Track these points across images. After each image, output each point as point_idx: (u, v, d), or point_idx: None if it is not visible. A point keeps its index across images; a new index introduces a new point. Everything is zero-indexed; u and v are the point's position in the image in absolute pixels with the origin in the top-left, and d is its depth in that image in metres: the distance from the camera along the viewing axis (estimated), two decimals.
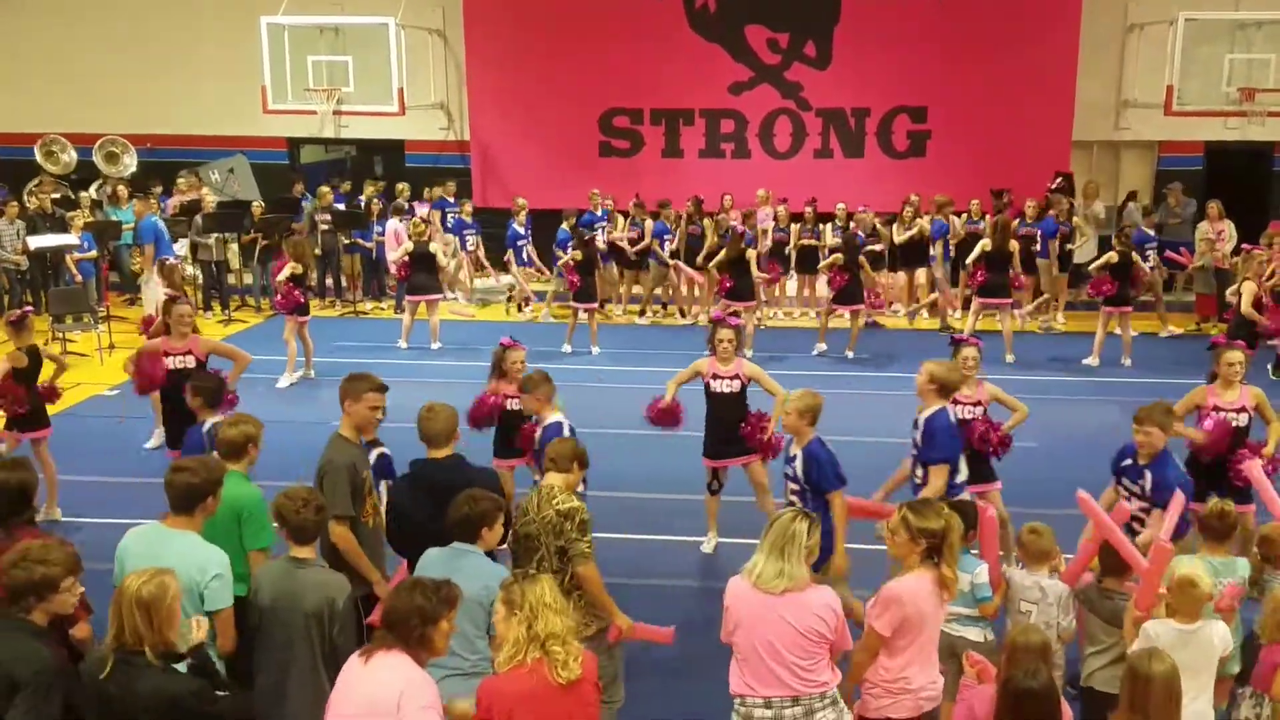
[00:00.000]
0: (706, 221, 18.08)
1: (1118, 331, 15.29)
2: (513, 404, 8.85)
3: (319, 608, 5.25)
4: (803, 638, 5.10)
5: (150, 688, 4.48)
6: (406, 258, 16.24)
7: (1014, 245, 15.65)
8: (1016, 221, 17.15)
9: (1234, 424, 8.18)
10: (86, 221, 18.14)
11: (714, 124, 20.79)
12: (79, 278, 17.42)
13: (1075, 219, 18.08)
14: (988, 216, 17.20)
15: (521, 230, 18.11)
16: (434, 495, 5.82)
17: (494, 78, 20.73)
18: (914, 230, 17.75)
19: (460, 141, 21.59)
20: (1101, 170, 20.63)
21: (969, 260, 16.02)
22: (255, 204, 19.61)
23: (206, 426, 7.55)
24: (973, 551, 6.30)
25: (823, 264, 16.65)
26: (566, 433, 7.27)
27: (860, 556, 7.35)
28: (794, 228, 18.13)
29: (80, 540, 6.24)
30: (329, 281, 19.64)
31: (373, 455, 6.99)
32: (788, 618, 5.10)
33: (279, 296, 14.60)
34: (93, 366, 15.11)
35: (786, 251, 18.14)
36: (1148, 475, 7.03)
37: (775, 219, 18.09)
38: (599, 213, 18.35)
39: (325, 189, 19.52)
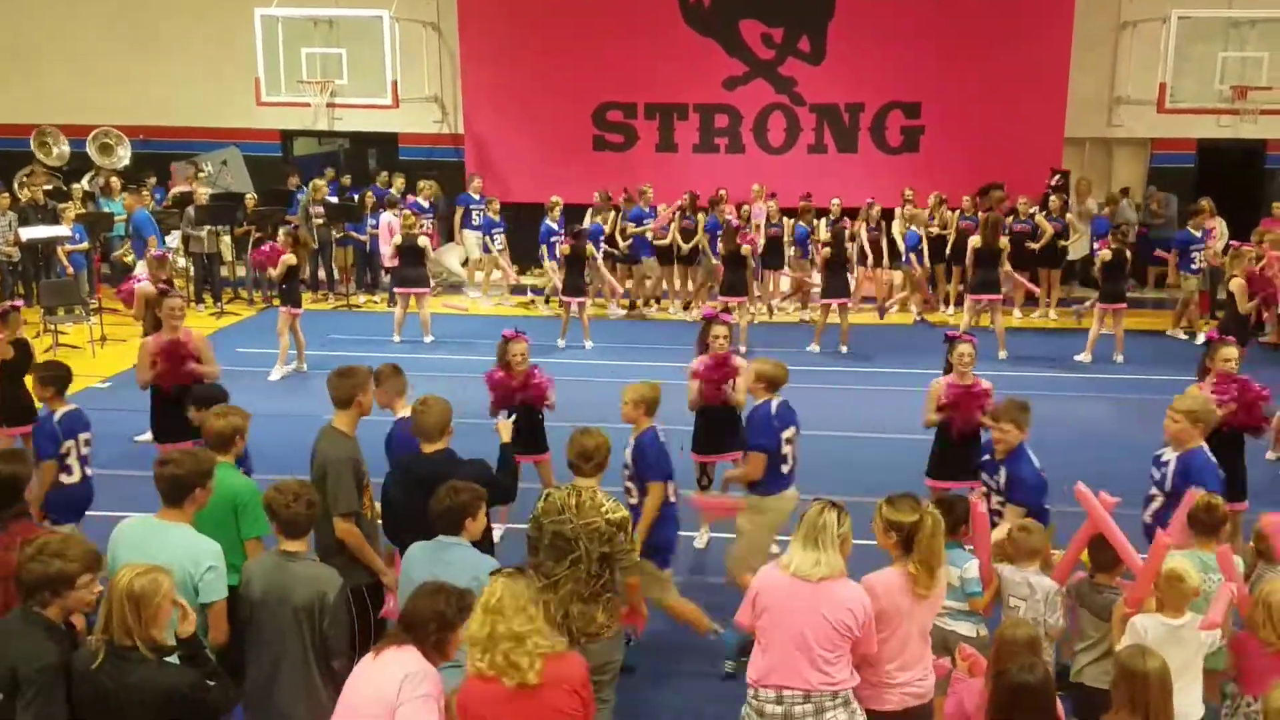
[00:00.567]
0: (700, 216, 18.07)
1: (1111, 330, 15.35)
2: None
3: (310, 601, 5.25)
4: (832, 630, 5.11)
5: (143, 680, 4.47)
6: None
7: (1004, 242, 15.68)
8: (1010, 218, 17.20)
9: None
10: (78, 213, 18.11)
11: (708, 119, 20.79)
12: (70, 270, 17.38)
13: (1068, 216, 18.12)
14: (980, 213, 17.23)
15: (555, 226, 18.10)
16: (425, 488, 5.82)
17: (488, 71, 20.71)
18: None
19: (454, 134, 21.57)
20: (1094, 167, 20.69)
21: (966, 261, 16.12)
22: (248, 196, 19.60)
23: (57, 416, 7.82)
24: (966, 547, 6.31)
25: (813, 257, 16.67)
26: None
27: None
28: (787, 222, 18.17)
29: (77, 533, 6.25)
30: (321, 274, 19.63)
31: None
32: (821, 607, 5.12)
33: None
34: (84, 358, 15.07)
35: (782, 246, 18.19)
36: (1003, 471, 7.13)
37: (767, 214, 18.11)
38: (646, 209, 18.25)
39: (320, 181, 19.49)
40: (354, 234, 19.12)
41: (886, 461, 9.47)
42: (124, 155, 21.32)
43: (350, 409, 6.52)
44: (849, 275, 16.26)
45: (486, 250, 18.99)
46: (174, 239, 18.35)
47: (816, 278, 17.32)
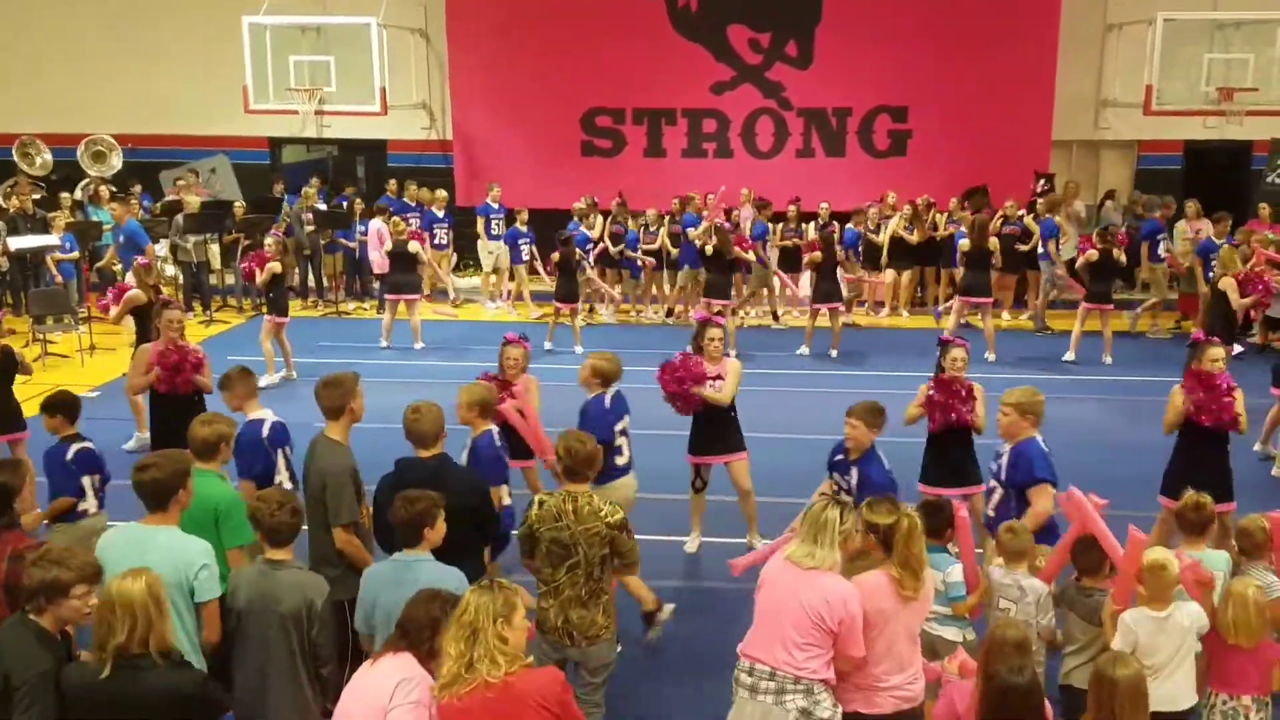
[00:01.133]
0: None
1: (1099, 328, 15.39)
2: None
3: (296, 609, 5.26)
4: (804, 615, 5.19)
5: (155, 685, 4.52)
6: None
7: (993, 244, 15.72)
8: (999, 221, 17.25)
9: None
10: (68, 222, 18.07)
11: (696, 124, 20.82)
12: (59, 278, 17.36)
13: (1057, 218, 18.16)
14: (968, 215, 17.28)
15: (524, 230, 18.21)
16: None
17: (476, 77, 20.72)
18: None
19: (443, 141, 21.57)
20: (1081, 169, 20.75)
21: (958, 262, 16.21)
22: (237, 204, 19.59)
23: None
24: (951, 550, 6.33)
25: (806, 260, 16.67)
26: (267, 431, 7.30)
27: None
28: (776, 227, 18.21)
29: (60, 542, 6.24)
30: (310, 281, 19.62)
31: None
32: (800, 592, 5.23)
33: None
34: (73, 367, 15.05)
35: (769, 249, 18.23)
36: (854, 471, 7.22)
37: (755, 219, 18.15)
38: (696, 215, 18.11)
39: (310, 189, 19.48)
40: (343, 241, 19.11)
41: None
42: (116, 164, 21.35)
43: (342, 417, 6.51)
44: (839, 279, 16.28)
45: (518, 261, 18.64)
46: (163, 247, 18.33)
47: (805, 283, 17.39)
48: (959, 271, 16.61)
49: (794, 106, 20.57)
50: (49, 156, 21.41)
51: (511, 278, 19.06)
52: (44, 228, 17.89)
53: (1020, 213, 17.69)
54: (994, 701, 4.61)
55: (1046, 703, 4.79)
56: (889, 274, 18.47)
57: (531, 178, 20.06)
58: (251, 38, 19.88)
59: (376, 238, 17.65)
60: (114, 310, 12.31)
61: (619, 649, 6.40)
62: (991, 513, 7.27)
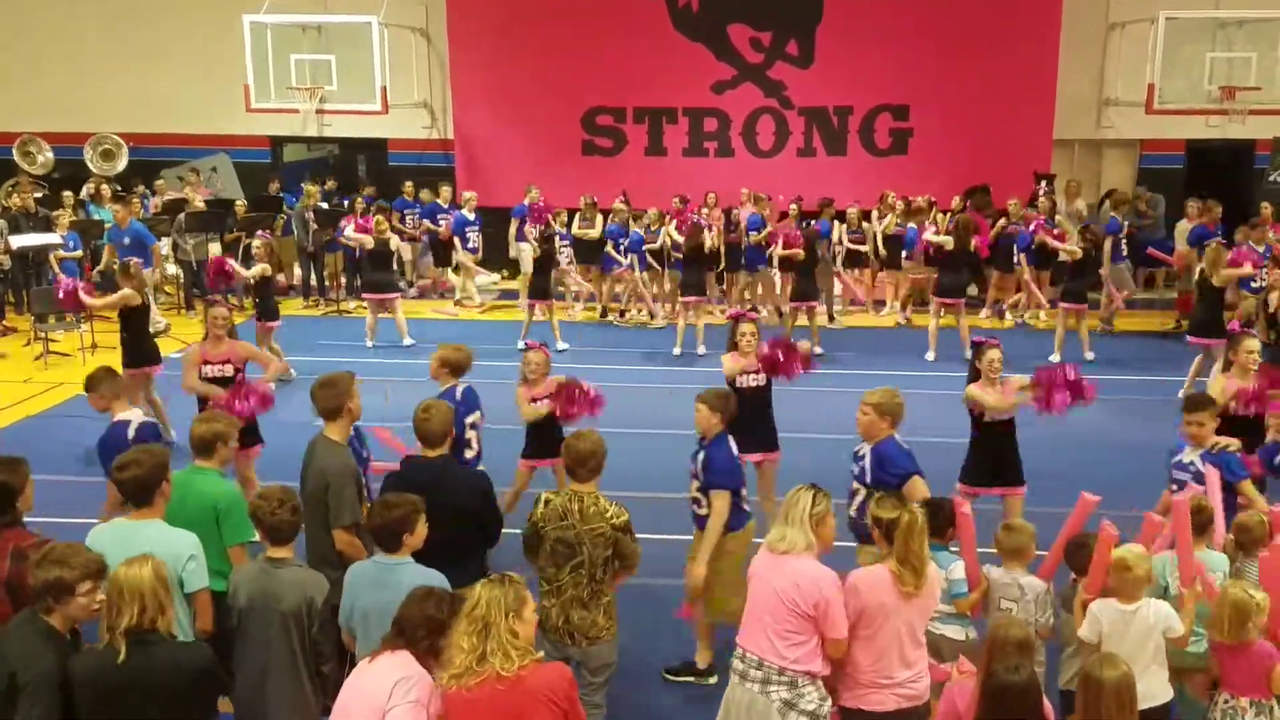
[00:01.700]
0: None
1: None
2: (540, 405, 8.99)
3: (297, 607, 5.28)
4: (780, 602, 5.24)
5: (171, 660, 4.61)
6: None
7: (975, 244, 15.76)
8: (1004, 222, 17.24)
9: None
10: (71, 220, 18.08)
11: (697, 123, 20.83)
12: (61, 277, 17.33)
13: (1058, 217, 18.14)
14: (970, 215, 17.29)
15: (470, 218, 18.28)
16: (424, 494, 5.78)
17: (477, 76, 20.74)
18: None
19: (444, 140, 21.58)
20: (1084, 168, 20.74)
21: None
22: (238, 203, 19.60)
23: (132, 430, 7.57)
24: (952, 549, 6.33)
25: (777, 254, 16.61)
26: (133, 433, 7.35)
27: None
28: (839, 227, 18.21)
29: (61, 539, 6.23)
30: (312, 280, 19.63)
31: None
32: (773, 579, 5.29)
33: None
34: (75, 366, 15.05)
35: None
36: (700, 455, 7.22)
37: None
38: (764, 214, 17.95)
39: (312, 187, 19.49)
40: (343, 239, 19.06)
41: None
42: (123, 162, 21.37)
43: (340, 418, 6.51)
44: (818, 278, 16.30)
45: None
46: (164, 246, 18.34)
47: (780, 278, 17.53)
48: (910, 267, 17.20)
49: (795, 105, 20.58)
50: (50, 155, 21.44)
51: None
52: (46, 226, 17.90)
53: (1023, 212, 17.67)
54: (992, 700, 4.62)
55: (1046, 702, 4.78)
56: (882, 274, 18.49)
57: (532, 177, 20.00)
58: (253, 36, 19.91)
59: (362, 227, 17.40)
60: (98, 299, 12.31)
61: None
62: (854, 514, 7.24)
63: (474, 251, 18.90)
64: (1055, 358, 15.26)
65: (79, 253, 17.66)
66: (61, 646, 4.70)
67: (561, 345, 15.71)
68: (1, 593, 5.34)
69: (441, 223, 18.84)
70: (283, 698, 5.32)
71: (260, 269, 14.20)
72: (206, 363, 9.67)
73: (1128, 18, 19.80)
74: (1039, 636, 5.93)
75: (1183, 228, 17.73)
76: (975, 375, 8.59)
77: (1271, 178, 19.18)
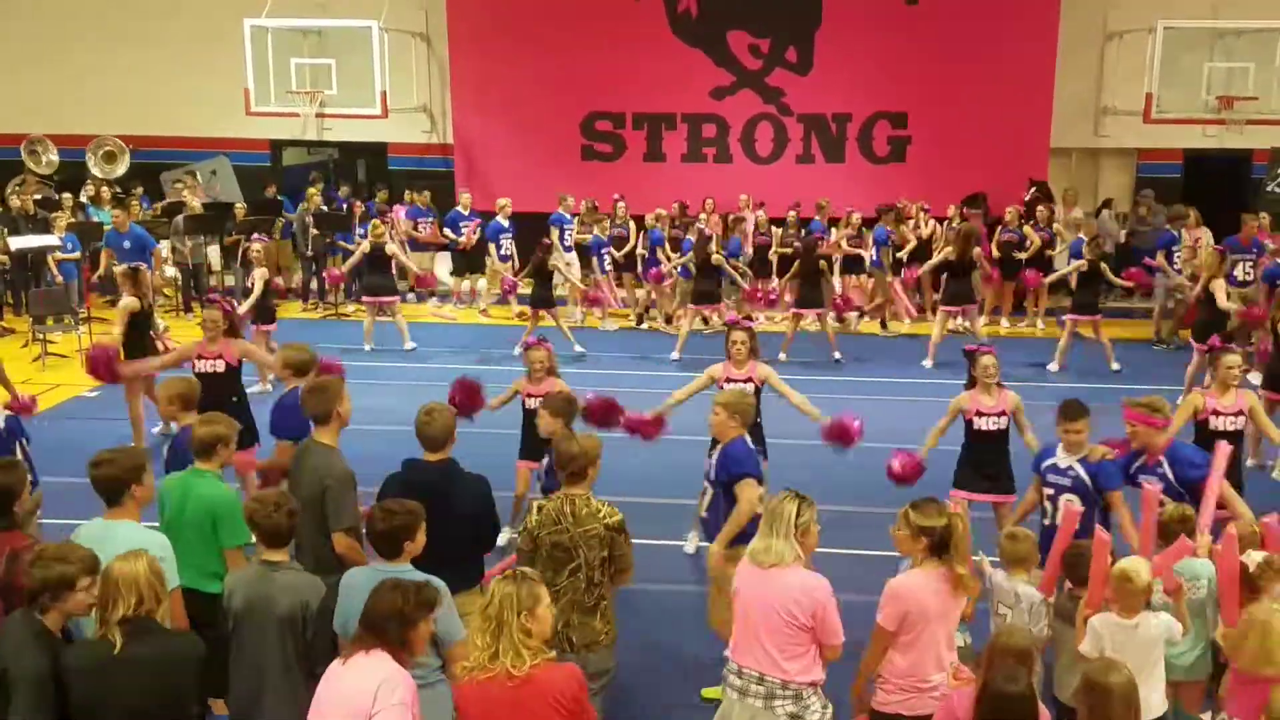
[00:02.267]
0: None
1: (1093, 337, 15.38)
2: (531, 403, 8.98)
3: (293, 610, 5.27)
4: (778, 617, 5.23)
5: (163, 648, 4.67)
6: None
7: (977, 252, 15.77)
8: (999, 228, 17.24)
9: (1233, 428, 8.35)
10: (69, 222, 18.09)
11: (696, 129, 20.84)
12: (60, 279, 17.37)
13: (1055, 225, 18.19)
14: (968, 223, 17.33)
15: (505, 225, 18.17)
16: (426, 498, 5.80)
17: (477, 81, 20.75)
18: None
19: (443, 144, 21.60)
20: (1081, 177, 20.76)
21: (927, 267, 16.39)
22: (238, 206, 19.61)
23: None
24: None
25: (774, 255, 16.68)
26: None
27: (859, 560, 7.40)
28: (776, 232, 18.25)
29: (60, 541, 6.25)
30: (313, 284, 19.65)
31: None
32: (767, 594, 5.27)
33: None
34: (73, 368, 15.05)
35: (769, 256, 18.26)
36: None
37: (755, 224, 18.18)
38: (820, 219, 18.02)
39: (314, 191, 19.50)
40: (342, 244, 19.12)
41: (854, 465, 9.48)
42: (124, 165, 21.39)
43: (331, 422, 6.49)
44: (824, 284, 16.32)
45: (605, 270, 18.27)
46: (164, 248, 18.35)
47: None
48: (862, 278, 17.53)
49: (794, 112, 20.60)
50: (55, 156, 21.46)
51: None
52: (45, 228, 17.91)
53: (1020, 220, 17.72)
54: (988, 708, 4.61)
55: (1044, 710, 4.79)
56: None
57: (531, 181, 20.05)
58: (253, 40, 19.92)
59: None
60: (115, 329, 12.39)
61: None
62: (704, 514, 7.27)
63: (506, 259, 18.51)
64: (1054, 367, 15.25)
65: (77, 254, 17.67)
66: (54, 644, 4.72)
67: (578, 348, 15.78)
68: None
69: (463, 231, 18.70)
70: (279, 701, 5.30)
71: (260, 274, 14.25)
72: (200, 358, 9.93)
73: (1126, 27, 19.82)
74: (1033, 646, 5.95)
75: (1182, 237, 17.71)
76: (972, 383, 8.63)
77: (1269, 187, 19.22)
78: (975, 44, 19.60)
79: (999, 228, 17.75)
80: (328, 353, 15.21)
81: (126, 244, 16.77)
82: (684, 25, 20.52)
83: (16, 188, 19.82)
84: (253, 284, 14.43)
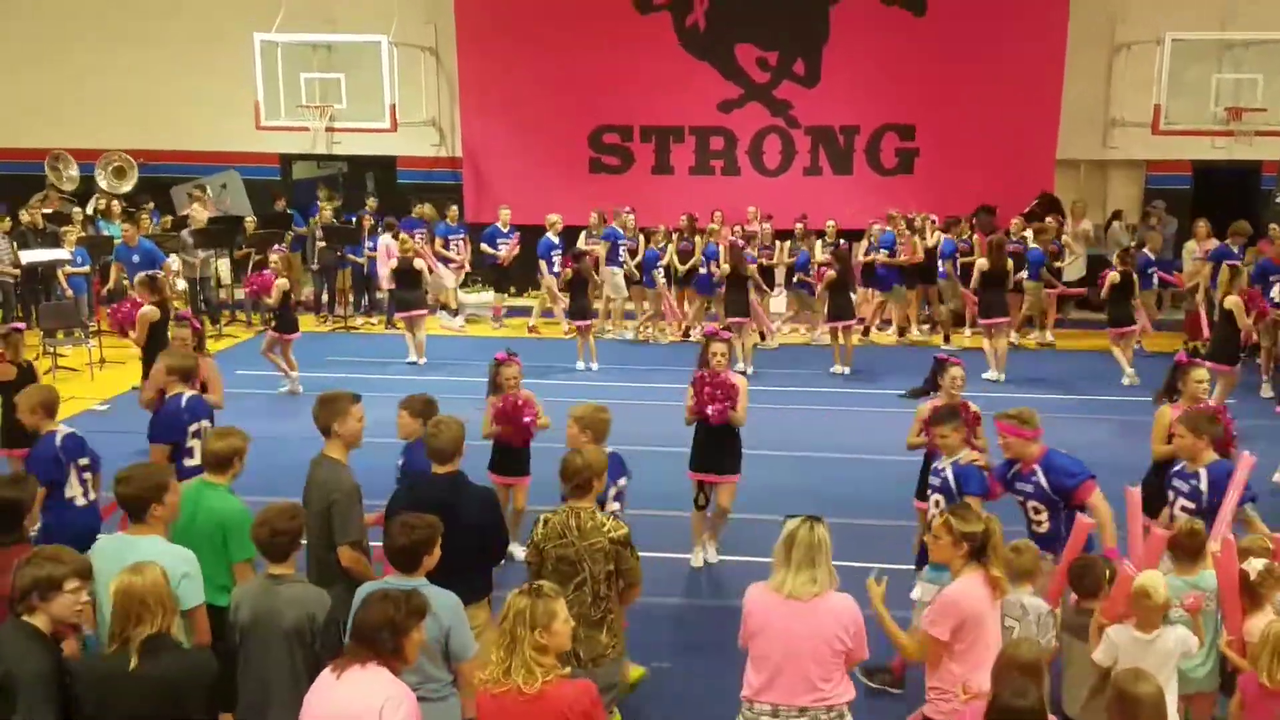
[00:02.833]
0: (698, 238, 18.05)
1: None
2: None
3: (299, 623, 5.27)
4: (825, 647, 5.23)
5: (178, 666, 4.68)
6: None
7: (1010, 264, 15.74)
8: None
9: None
10: (79, 236, 18.16)
11: (704, 141, 20.86)
12: (70, 292, 17.43)
13: (1064, 237, 18.17)
14: (976, 236, 17.29)
15: (556, 241, 18.16)
16: (434, 511, 5.80)
17: (485, 94, 20.80)
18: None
19: (452, 158, 21.64)
20: (1090, 189, 20.73)
21: (971, 284, 16.08)
22: (248, 219, 19.67)
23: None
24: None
25: (818, 277, 16.66)
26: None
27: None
28: (783, 245, 18.25)
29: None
30: (324, 297, 19.70)
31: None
32: (814, 625, 5.24)
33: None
34: (83, 381, 15.10)
35: (773, 266, 18.30)
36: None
37: (760, 236, 18.15)
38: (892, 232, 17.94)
39: (325, 204, 19.54)
40: (352, 256, 19.17)
41: (871, 478, 9.46)
42: (134, 180, 21.49)
43: (334, 438, 6.51)
44: (852, 296, 16.32)
45: (651, 284, 17.93)
46: (175, 261, 18.39)
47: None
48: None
49: (801, 125, 20.60)
50: (76, 171, 21.57)
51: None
52: (55, 242, 18.00)
53: (1026, 232, 17.68)
54: None
55: None
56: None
57: (540, 194, 20.07)
58: (263, 55, 19.98)
59: (384, 253, 17.75)
60: (133, 333, 12.42)
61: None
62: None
63: (557, 275, 17.91)
64: (1126, 381, 14.94)
65: (87, 268, 17.73)
66: (51, 648, 4.75)
67: (594, 365, 15.93)
68: (2, 607, 5.37)
69: (502, 247, 18.61)
70: (285, 714, 5.29)
71: (280, 284, 14.39)
72: None
73: (1134, 38, 19.79)
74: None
75: (1190, 248, 17.73)
76: (936, 389, 8.53)
77: (1278, 199, 19.17)
78: (982, 55, 19.59)
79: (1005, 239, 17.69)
80: (335, 367, 15.45)
81: (136, 258, 16.83)
82: (692, 38, 20.56)
83: (39, 202, 19.91)
84: (272, 294, 14.59)
